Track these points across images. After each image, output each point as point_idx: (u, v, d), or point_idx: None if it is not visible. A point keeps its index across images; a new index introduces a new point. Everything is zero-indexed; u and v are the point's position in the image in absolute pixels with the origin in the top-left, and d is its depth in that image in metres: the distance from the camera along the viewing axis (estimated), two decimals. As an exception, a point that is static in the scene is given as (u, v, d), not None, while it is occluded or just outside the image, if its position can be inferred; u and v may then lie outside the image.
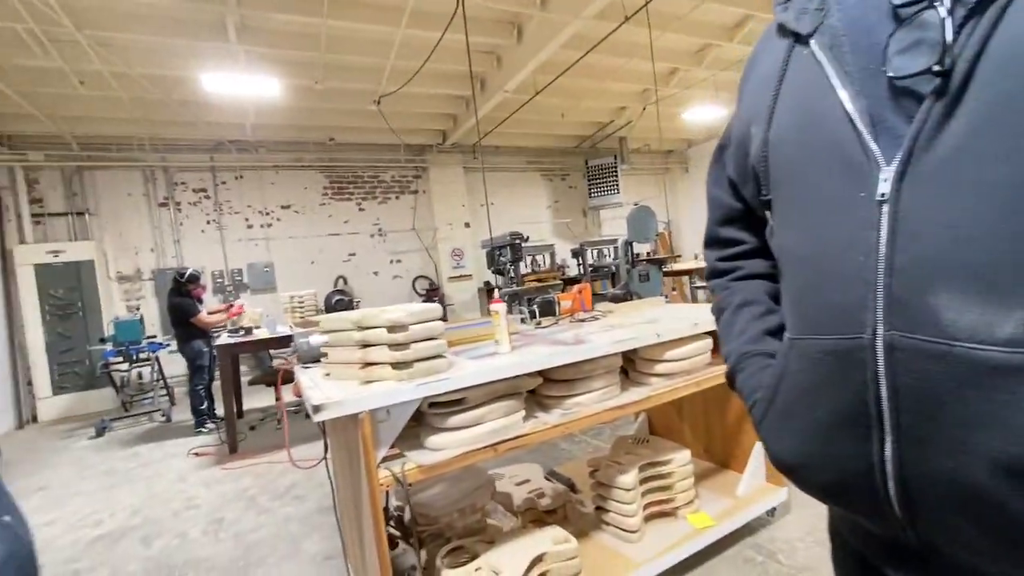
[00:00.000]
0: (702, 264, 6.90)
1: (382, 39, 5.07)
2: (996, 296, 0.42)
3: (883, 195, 0.48)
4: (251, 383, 5.10)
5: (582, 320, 2.32)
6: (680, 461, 2.00)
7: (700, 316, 2.02)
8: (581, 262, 7.18)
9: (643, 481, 1.95)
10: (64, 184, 6.32)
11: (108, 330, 5.57)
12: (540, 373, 1.67)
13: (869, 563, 0.59)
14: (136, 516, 3.00)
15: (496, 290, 6.18)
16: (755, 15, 5.61)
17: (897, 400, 0.47)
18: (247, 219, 7.29)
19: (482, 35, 5.15)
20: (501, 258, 5.74)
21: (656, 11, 4.98)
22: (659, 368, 1.86)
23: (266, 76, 5.10)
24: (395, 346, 1.41)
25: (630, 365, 1.94)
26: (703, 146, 10.67)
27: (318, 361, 1.82)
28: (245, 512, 2.89)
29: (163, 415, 5.24)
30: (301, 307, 5.14)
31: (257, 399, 5.60)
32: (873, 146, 0.49)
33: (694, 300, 8.11)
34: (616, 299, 3.96)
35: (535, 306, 2.42)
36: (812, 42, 0.55)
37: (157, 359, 5.57)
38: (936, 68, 0.45)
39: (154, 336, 5.86)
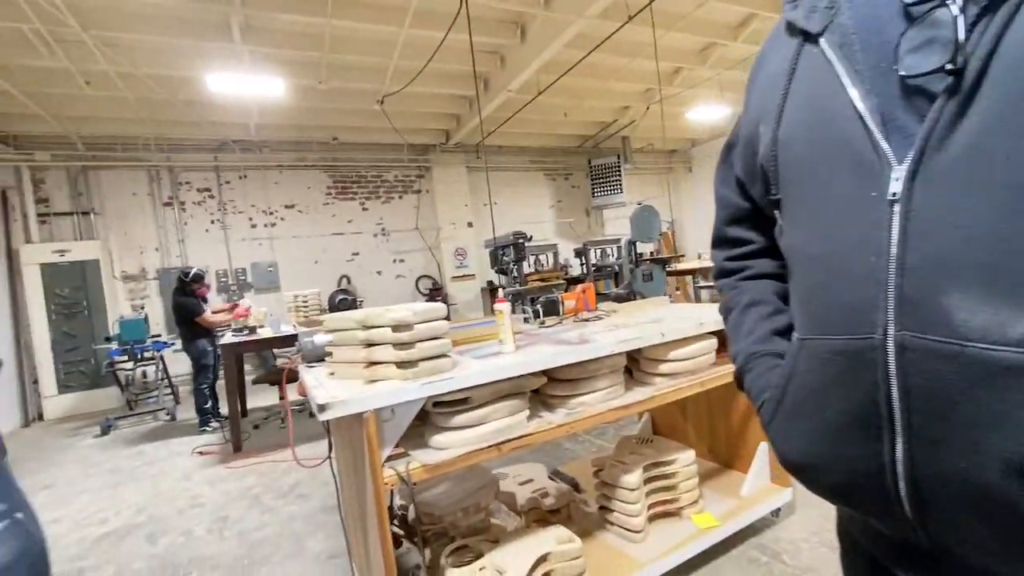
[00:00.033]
0: (706, 264, 6.91)
1: (386, 39, 5.08)
2: (1009, 296, 0.42)
3: (894, 194, 0.47)
4: (255, 382, 5.11)
5: (586, 320, 2.32)
6: (684, 461, 2.00)
7: (705, 316, 2.02)
8: (584, 262, 7.17)
9: (647, 481, 1.95)
10: (70, 184, 6.35)
11: (113, 329, 5.59)
12: (544, 373, 1.66)
13: (879, 564, 0.58)
14: (141, 514, 3.01)
15: (500, 290, 6.19)
16: (759, 14, 5.59)
17: (908, 400, 0.47)
18: (251, 219, 7.31)
19: (485, 35, 5.15)
20: (504, 258, 5.74)
21: (660, 10, 4.97)
22: (664, 368, 1.86)
23: (270, 76, 5.11)
24: (400, 345, 1.41)
25: (634, 365, 1.93)
26: (707, 145, 10.64)
27: (322, 360, 1.82)
28: (249, 510, 2.90)
29: (168, 414, 5.27)
30: (305, 306, 5.16)
31: (261, 398, 5.62)
32: (884, 145, 0.48)
33: (697, 300, 8.10)
34: (619, 299, 3.95)
35: (539, 305, 2.42)
36: (822, 40, 0.55)
37: (162, 358, 5.60)
38: (949, 67, 0.44)
39: (159, 335, 5.88)
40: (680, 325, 1.89)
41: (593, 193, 9.67)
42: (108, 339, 5.42)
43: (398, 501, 2.05)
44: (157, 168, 6.76)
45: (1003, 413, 0.42)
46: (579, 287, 2.58)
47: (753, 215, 0.73)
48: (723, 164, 0.76)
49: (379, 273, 8.12)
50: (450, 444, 1.44)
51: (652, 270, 6.53)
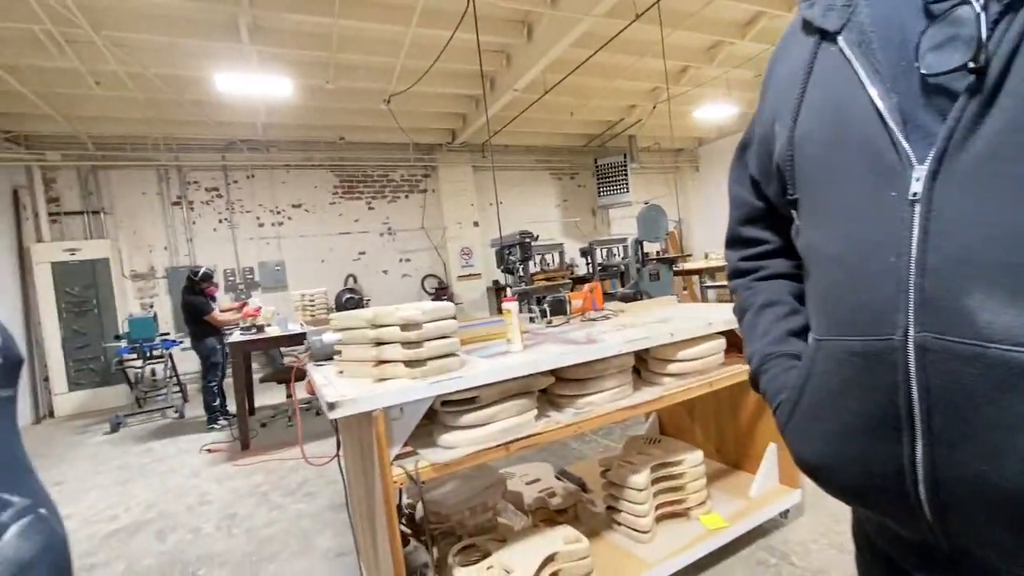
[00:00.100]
0: (712, 263, 6.82)
1: (392, 39, 5.09)
2: None
3: (915, 195, 0.47)
4: (262, 380, 5.14)
5: (593, 319, 2.31)
6: (692, 462, 1.99)
7: (713, 316, 2.01)
8: (590, 261, 7.15)
9: (655, 481, 1.94)
10: (80, 183, 6.42)
11: (123, 327, 5.65)
12: (552, 372, 1.66)
13: (896, 566, 0.58)
14: (151, 511, 3.04)
15: (507, 289, 6.18)
16: (767, 12, 5.55)
17: (929, 402, 0.46)
18: (258, 218, 7.36)
19: (492, 34, 5.15)
20: (511, 257, 5.74)
21: (667, 8, 4.95)
22: (672, 368, 1.85)
23: (278, 76, 5.14)
24: (408, 344, 1.42)
25: (642, 365, 1.93)
26: (714, 144, 10.59)
27: (331, 359, 1.83)
28: (257, 508, 2.92)
29: (176, 411, 5.31)
30: (312, 305, 5.18)
31: (268, 396, 5.65)
32: (905, 145, 0.48)
33: (704, 299, 8.06)
34: (626, 298, 3.95)
35: (546, 305, 2.42)
36: (840, 39, 0.54)
37: (170, 356, 5.65)
38: (971, 65, 0.44)
39: (167, 333, 5.94)
40: (688, 325, 1.88)
41: (599, 192, 9.64)
42: (118, 337, 5.47)
43: (405, 500, 2.06)
44: (166, 168, 6.82)
45: None
46: (586, 286, 2.57)
47: (768, 215, 0.72)
48: (737, 163, 0.76)
49: (385, 272, 8.14)
50: (458, 443, 1.44)
51: (659, 270, 6.51)
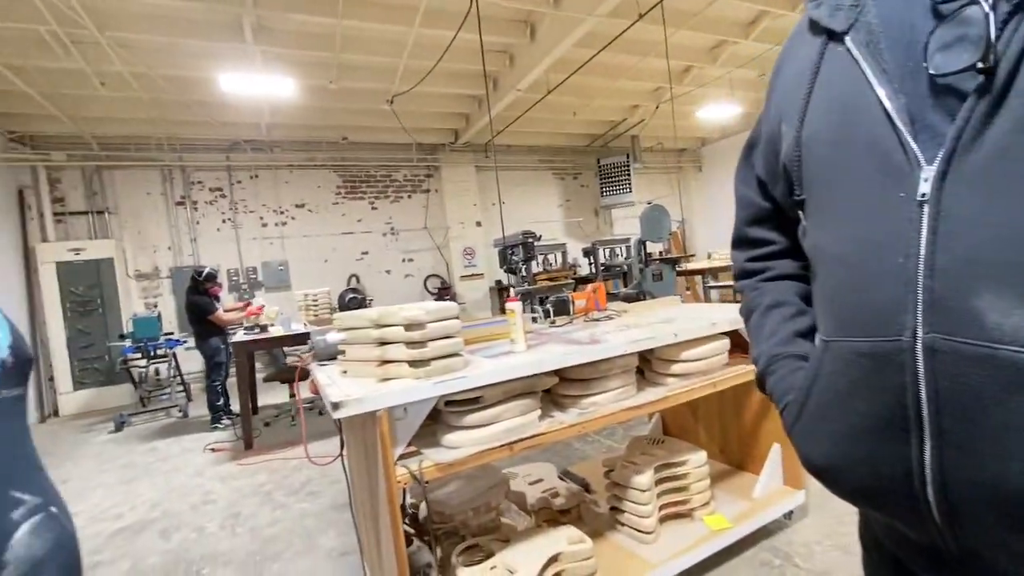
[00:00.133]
0: (715, 264, 6.79)
1: (396, 39, 5.10)
2: None
3: (923, 195, 0.47)
4: (266, 380, 5.15)
5: (596, 319, 2.31)
6: (696, 462, 1.99)
7: (717, 316, 2.01)
8: (593, 261, 7.15)
9: (659, 482, 1.94)
10: (85, 183, 6.44)
11: (127, 327, 5.66)
12: (556, 372, 1.66)
13: (904, 567, 0.58)
14: (155, 509, 3.05)
15: (510, 289, 6.18)
16: (771, 11, 5.53)
17: (938, 404, 0.46)
18: (262, 218, 7.38)
19: (495, 34, 5.15)
20: (513, 257, 5.74)
21: (670, 8, 4.94)
22: (676, 368, 1.85)
23: (281, 76, 5.15)
24: (412, 344, 1.42)
25: (646, 365, 1.92)
26: (717, 144, 10.57)
27: (334, 358, 1.83)
28: (261, 507, 2.93)
29: (180, 411, 5.33)
30: (315, 305, 5.19)
31: (271, 396, 5.67)
32: (913, 145, 0.48)
33: (707, 300, 8.05)
34: (629, 298, 3.94)
35: (549, 305, 2.42)
36: (847, 39, 0.54)
37: (174, 355, 5.67)
38: (980, 65, 0.44)
39: (171, 333, 5.95)
40: (692, 325, 1.87)
41: (602, 192, 9.63)
42: (122, 337, 5.49)
43: (409, 499, 2.06)
44: (170, 168, 6.84)
45: None
46: (589, 286, 2.57)
47: (774, 215, 0.72)
48: (743, 164, 0.76)
49: (388, 272, 8.15)
50: (462, 443, 1.44)
51: (662, 270, 6.50)
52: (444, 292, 8.30)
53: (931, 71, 0.47)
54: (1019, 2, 0.43)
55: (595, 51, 5.37)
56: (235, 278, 7.20)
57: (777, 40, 6.01)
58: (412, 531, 1.86)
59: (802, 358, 0.64)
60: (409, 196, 8.32)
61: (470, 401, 1.46)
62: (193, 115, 6.10)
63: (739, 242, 0.78)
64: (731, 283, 7.64)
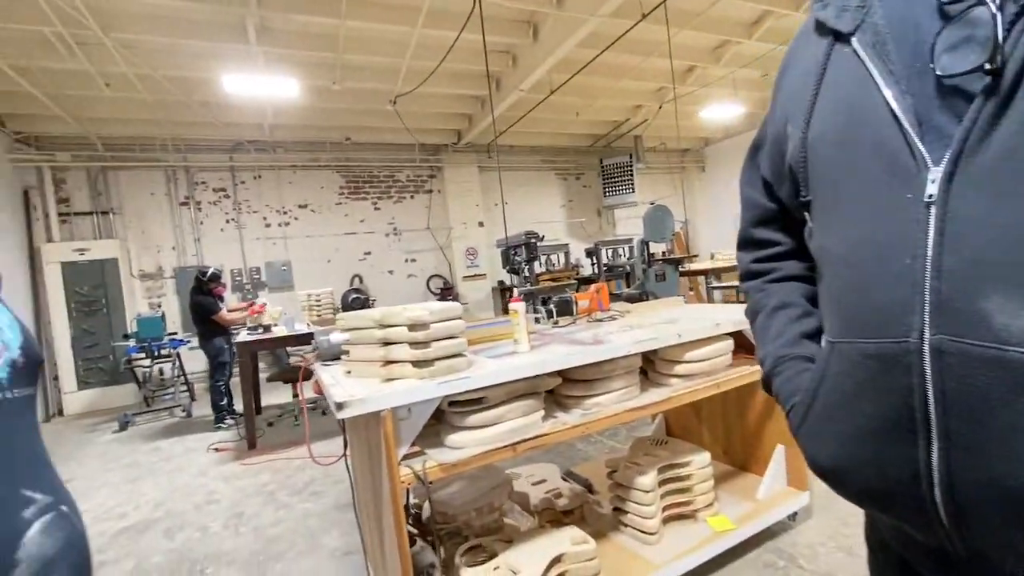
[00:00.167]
0: (719, 264, 6.77)
1: (399, 39, 5.11)
2: None
3: (931, 196, 0.47)
4: (269, 380, 5.16)
5: (600, 320, 2.31)
6: (699, 463, 1.98)
7: (721, 317, 2.00)
8: (595, 262, 7.14)
9: (662, 483, 1.94)
10: (90, 184, 6.47)
11: (131, 327, 5.69)
12: (559, 373, 1.66)
13: (911, 569, 0.58)
14: (159, 509, 3.06)
15: (513, 289, 6.18)
16: (774, 11, 5.52)
17: (945, 405, 0.46)
18: (265, 218, 7.40)
19: (498, 34, 5.15)
20: (516, 257, 5.74)
21: (674, 8, 4.94)
22: (679, 369, 1.84)
23: (285, 77, 5.16)
24: (416, 344, 1.42)
25: (649, 366, 1.92)
26: (720, 145, 10.55)
27: (338, 359, 1.84)
28: (264, 507, 2.93)
29: (183, 410, 5.34)
30: (318, 305, 5.21)
31: (274, 396, 5.68)
32: (920, 146, 0.48)
33: (710, 300, 8.03)
34: (631, 299, 3.93)
35: (552, 305, 2.42)
36: (854, 40, 0.54)
37: (178, 355, 5.69)
38: (987, 66, 0.44)
39: (175, 333, 5.98)
40: (696, 326, 1.87)
41: (604, 193, 9.63)
42: (126, 336, 5.52)
43: (412, 499, 2.06)
44: (174, 168, 6.87)
45: None
46: (593, 287, 2.57)
47: (780, 216, 0.72)
48: (749, 165, 0.75)
49: (391, 272, 8.17)
50: (466, 443, 1.44)
51: (665, 270, 6.49)
52: (447, 292, 8.31)
53: (938, 72, 0.47)
54: None
55: (598, 51, 5.37)
56: (238, 278, 7.22)
57: (781, 40, 5.99)
58: (415, 531, 1.87)
59: (808, 359, 0.64)
60: (412, 196, 8.33)
61: (474, 401, 1.46)
62: (197, 116, 6.13)
63: (745, 243, 0.78)
64: (734, 283, 7.62)
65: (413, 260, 8.33)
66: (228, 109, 6.12)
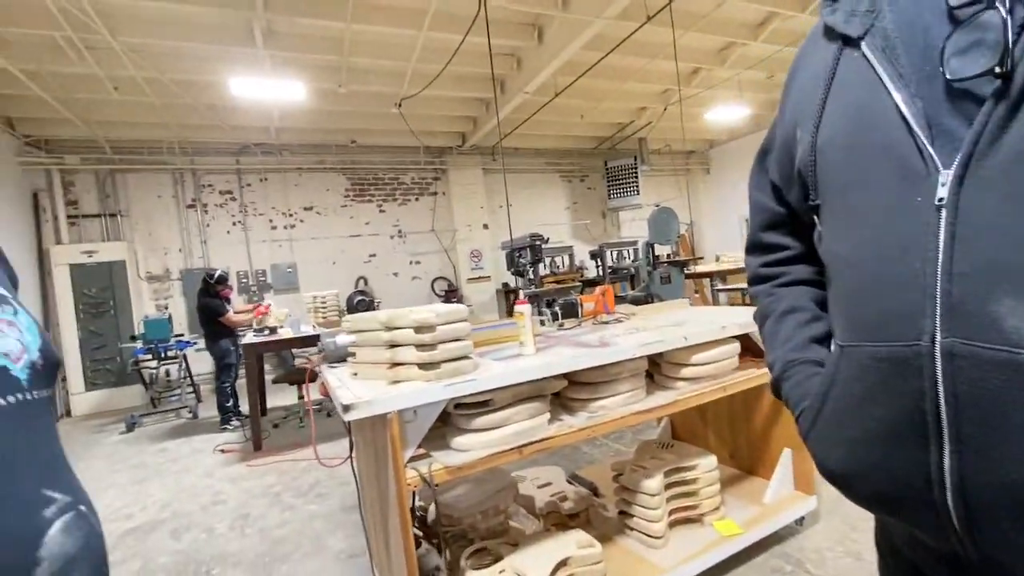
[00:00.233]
0: (724, 266, 6.72)
1: (404, 42, 5.13)
2: None
3: (941, 199, 0.47)
4: (275, 381, 5.18)
5: (605, 322, 2.31)
6: (706, 467, 1.98)
7: (727, 319, 2.00)
8: (600, 264, 7.13)
9: (668, 486, 1.93)
10: (98, 186, 6.54)
11: (138, 328, 5.73)
12: (565, 376, 1.66)
13: (923, 574, 0.57)
14: (165, 510, 3.08)
15: (519, 291, 6.18)
16: (780, 12, 5.51)
17: (957, 408, 0.46)
18: (271, 220, 7.44)
19: (503, 37, 5.16)
20: (521, 259, 5.74)
21: (679, 10, 4.93)
22: (685, 372, 1.84)
23: (291, 80, 5.20)
24: (422, 347, 1.42)
25: (655, 369, 1.92)
26: (725, 147, 10.52)
27: (344, 361, 1.85)
28: (270, 508, 2.94)
29: (190, 412, 5.37)
30: (323, 307, 5.22)
31: (279, 397, 5.70)
32: (930, 150, 0.48)
33: (716, 303, 8.00)
34: (637, 301, 3.93)
35: (557, 307, 2.41)
36: (863, 45, 0.54)
37: (184, 357, 5.72)
38: (997, 70, 0.44)
39: (181, 334, 6.01)
40: (702, 329, 1.87)
41: (609, 195, 9.62)
42: (133, 338, 5.55)
43: (418, 502, 2.07)
44: (181, 171, 6.92)
45: None
46: (598, 289, 2.57)
47: (789, 220, 0.72)
48: (757, 169, 0.75)
49: (395, 275, 8.19)
50: (471, 446, 1.44)
51: (670, 272, 6.47)
52: (451, 295, 8.32)
53: (948, 76, 0.47)
54: None
55: (603, 53, 5.37)
56: (244, 280, 7.26)
57: (786, 41, 5.98)
58: (421, 534, 1.87)
59: (818, 364, 0.64)
60: (417, 199, 8.35)
61: (480, 404, 1.46)
62: (204, 119, 6.18)
63: (753, 247, 0.78)
64: (740, 286, 7.59)
65: (418, 262, 8.35)
66: (235, 112, 6.17)
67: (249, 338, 4.27)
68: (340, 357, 1.88)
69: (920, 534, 0.54)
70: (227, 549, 2.53)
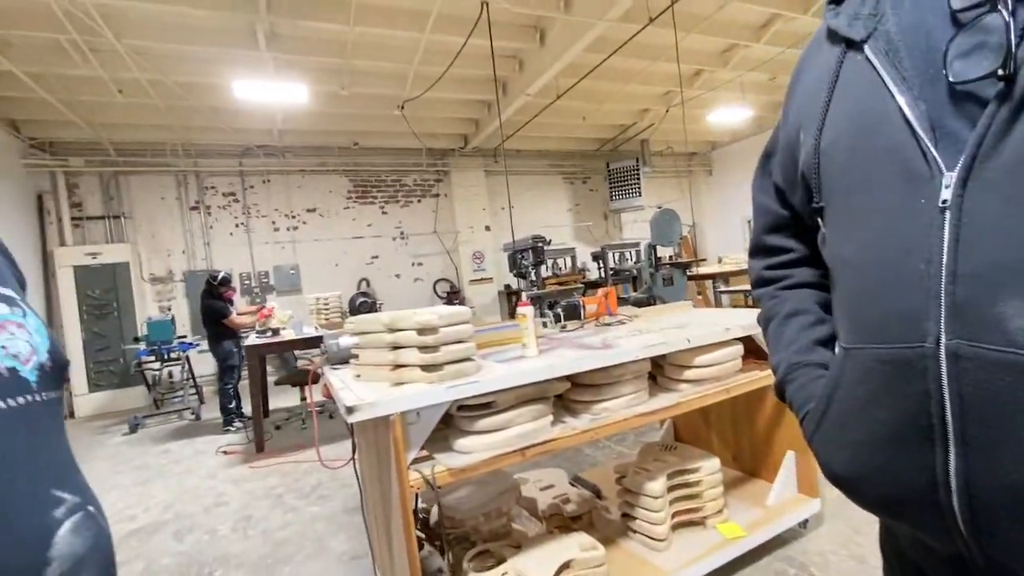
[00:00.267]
0: (727, 268, 6.74)
1: (407, 45, 5.15)
2: None
3: (945, 201, 0.47)
4: (277, 383, 5.19)
5: (608, 324, 2.31)
6: (709, 469, 1.97)
7: (730, 321, 1.99)
8: (602, 265, 7.13)
9: (671, 489, 1.92)
10: (102, 188, 6.57)
11: (141, 330, 5.74)
12: (568, 377, 1.66)
13: (927, 577, 0.57)
14: (168, 511, 3.08)
15: (521, 293, 6.18)
16: (782, 14, 5.51)
17: (962, 410, 0.46)
18: (274, 222, 7.46)
19: (505, 39, 5.18)
20: (523, 261, 5.74)
21: (681, 12, 4.94)
22: (688, 374, 1.83)
23: (294, 82, 5.22)
24: (425, 348, 1.43)
25: (658, 371, 1.91)
26: (727, 148, 10.52)
27: (346, 362, 1.85)
28: (272, 510, 2.95)
29: (192, 413, 5.38)
30: (326, 309, 5.23)
31: (282, 399, 5.71)
32: (934, 152, 0.48)
33: (718, 304, 7.99)
34: (639, 303, 3.93)
35: (560, 309, 2.42)
36: (866, 48, 0.54)
37: (187, 358, 5.73)
38: (1000, 72, 0.44)
39: (184, 336, 6.03)
40: (705, 331, 1.86)
41: (611, 197, 9.62)
42: (136, 339, 5.57)
43: (420, 504, 2.06)
44: (184, 173, 6.95)
45: None
46: (600, 291, 2.57)
47: (793, 223, 0.72)
48: (761, 172, 0.76)
49: (398, 276, 8.20)
50: (474, 448, 1.44)
51: (672, 274, 6.46)
52: (453, 296, 8.32)
53: (951, 78, 0.47)
54: None
55: (605, 55, 5.38)
56: (247, 282, 7.28)
57: (789, 43, 5.98)
58: (423, 536, 1.87)
59: (822, 366, 0.64)
60: (419, 200, 8.37)
61: (482, 406, 1.46)
62: (207, 121, 6.20)
63: (757, 250, 0.78)
64: (742, 288, 7.57)
65: (420, 264, 8.36)
66: (238, 114, 6.19)
67: (252, 340, 4.29)
68: (343, 359, 1.88)
69: (925, 537, 0.54)
70: (230, 551, 2.53)
